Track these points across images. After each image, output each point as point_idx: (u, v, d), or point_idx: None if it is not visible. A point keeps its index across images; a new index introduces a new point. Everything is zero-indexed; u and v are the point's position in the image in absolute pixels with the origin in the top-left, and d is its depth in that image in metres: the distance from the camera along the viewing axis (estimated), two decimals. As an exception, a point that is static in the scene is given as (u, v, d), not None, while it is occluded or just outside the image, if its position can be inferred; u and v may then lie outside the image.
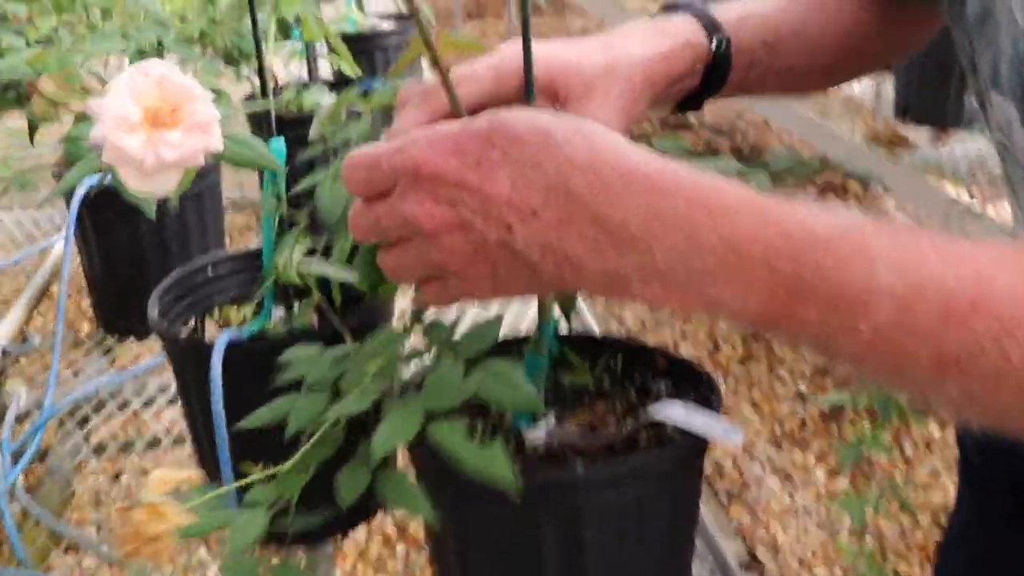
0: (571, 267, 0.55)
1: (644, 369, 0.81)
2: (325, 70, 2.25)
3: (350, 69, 1.90)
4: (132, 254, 1.38)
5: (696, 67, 0.80)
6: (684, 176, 0.54)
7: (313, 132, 0.75)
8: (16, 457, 1.20)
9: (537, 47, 0.70)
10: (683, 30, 0.80)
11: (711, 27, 0.81)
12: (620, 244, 0.53)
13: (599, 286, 0.55)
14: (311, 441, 0.62)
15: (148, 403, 1.31)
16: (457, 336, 0.69)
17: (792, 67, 0.87)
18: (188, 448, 0.99)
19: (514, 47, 0.70)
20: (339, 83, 2.13)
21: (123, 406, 1.31)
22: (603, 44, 0.77)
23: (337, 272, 0.76)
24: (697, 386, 0.77)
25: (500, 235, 0.55)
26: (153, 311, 0.95)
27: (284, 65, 1.97)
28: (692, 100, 0.85)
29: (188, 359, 0.92)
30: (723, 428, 0.68)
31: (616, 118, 0.74)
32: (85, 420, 1.29)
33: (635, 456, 0.70)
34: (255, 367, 0.79)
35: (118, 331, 1.47)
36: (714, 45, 0.80)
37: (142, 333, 1.44)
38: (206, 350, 0.86)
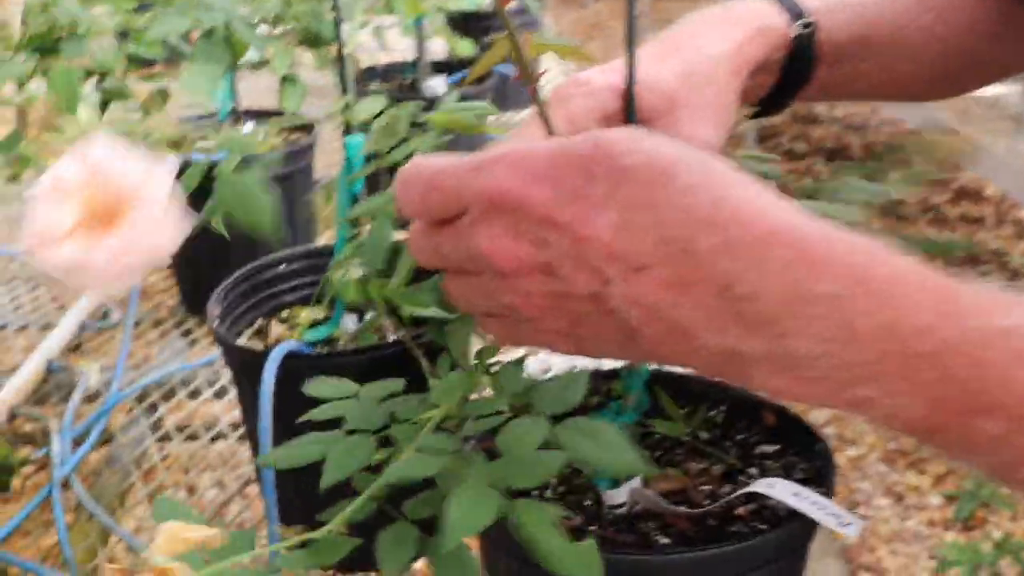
0: (681, 338, 0.44)
1: (750, 424, 0.71)
2: (440, 48, 2.17)
3: (459, 48, 1.82)
4: (217, 235, 1.32)
5: (773, 57, 0.69)
6: (836, 241, 0.42)
7: (367, 148, 0.64)
8: (77, 442, 1.14)
9: (597, 74, 0.62)
10: (758, 13, 0.69)
11: (793, 12, 0.69)
12: (748, 322, 0.42)
13: (713, 365, 0.45)
14: (353, 505, 0.52)
15: (220, 394, 1.24)
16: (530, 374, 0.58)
17: (890, 68, 0.75)
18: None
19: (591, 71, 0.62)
20: (450, 63, 2.05)
21: (194, 394, 1.25)
22: (671, 46, 0.66)
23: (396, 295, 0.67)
24: (809, 454, 0.66)
25: (592, 287, 0.45)
26: (215, 310, 0.87)
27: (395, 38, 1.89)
28: (772, 100, 0.73)
29: (244, 367, 0.84)
30: (837, 517, 0.57)
31: (707, 131, 0.64)
32: (154, 407, 1.23)
33: (730, 542, 0.59)
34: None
35: (199, 313, 1.42)
36: (795, 32, 0.69)
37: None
38: (262, 360, 0.78)
